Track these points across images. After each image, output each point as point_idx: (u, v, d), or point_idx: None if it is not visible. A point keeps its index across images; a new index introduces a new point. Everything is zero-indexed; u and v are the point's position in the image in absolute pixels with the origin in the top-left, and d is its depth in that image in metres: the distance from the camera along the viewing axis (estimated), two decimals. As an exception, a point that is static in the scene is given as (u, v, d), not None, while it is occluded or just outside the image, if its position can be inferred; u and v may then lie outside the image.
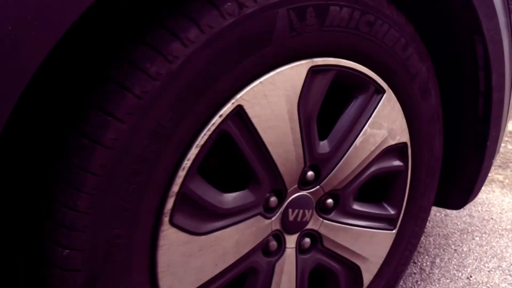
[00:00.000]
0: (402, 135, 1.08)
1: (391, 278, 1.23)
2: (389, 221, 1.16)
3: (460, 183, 1.23)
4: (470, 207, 1.86)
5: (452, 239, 1.66)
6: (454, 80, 1.11)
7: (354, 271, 1.14)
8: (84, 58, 0.78)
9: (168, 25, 0.73)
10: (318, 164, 0.97)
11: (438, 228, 1.71)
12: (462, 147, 1.18)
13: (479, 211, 1.85)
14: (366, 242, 1.12)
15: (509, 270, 1.49)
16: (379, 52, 0.96)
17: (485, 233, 1.70)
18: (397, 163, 1.12)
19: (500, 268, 1.50)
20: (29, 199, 0.78)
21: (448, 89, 1.12)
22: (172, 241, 0.80)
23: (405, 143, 1.10)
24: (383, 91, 1.01)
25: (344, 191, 1.04)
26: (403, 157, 1.12)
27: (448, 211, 1.82)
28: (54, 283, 0.74)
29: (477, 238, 1.67)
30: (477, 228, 1.74)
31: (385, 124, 1.04)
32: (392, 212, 1.16)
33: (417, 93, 1.07)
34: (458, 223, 1.76)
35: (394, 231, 1.18)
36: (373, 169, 1.07)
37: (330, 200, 1.03)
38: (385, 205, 1.16)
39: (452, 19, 0.99)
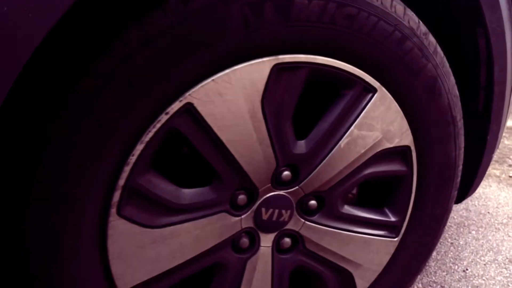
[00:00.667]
0: (402, 137, 0.99)
1: (394, 287, 1.15)
2: (391, 228, 1.08)
3: (460, 177, 1.13)
4: (467, 201, 1.86)
5: (449, 233, 1.65)
6: (456, 73, 1.01)
7: (345, 277, 1.08)
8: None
9: (108, 24, 0.73)
10: (297, 164, 0.93)
11: None
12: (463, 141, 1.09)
13: (475, 205, 1.84)
14: (359, 248, 1.05)
15: (504, 264, 1.48)
16: (365, 47, 0.87)
17: (481, 227, 1.70)
18: (398, 167, 1.02)
19: (496, 261, 1.49)
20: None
21: None
22: (121, 232, 0.82)
23: (407, 147, 1.00)
24: (373, 90, 0.92)
25: (330, 193, 0.98)
26: (406, 161, 1.02)
27: (446, 204, 1.75)
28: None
29: (474, 232, 1.66)
30: (474, 222, 1.73)
31: (378, 125, 0.95)
32: (394, 219, 1.07)
33: (422, 92, 0.95)
34: (455, 217, 1.76)
35: (396, 239, 1.09)
36: (366, 172, 0.99)
37: (313, 202, 0.98)
38: (387, 211, 1.08)
39: (454, 10, 0.87)
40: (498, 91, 0.96)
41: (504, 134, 2.55)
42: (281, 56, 0.82)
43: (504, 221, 1.75)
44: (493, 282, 1.39)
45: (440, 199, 1.09)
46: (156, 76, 0.75)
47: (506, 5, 0.83)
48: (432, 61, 0.93)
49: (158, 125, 0.79)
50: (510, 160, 2.18)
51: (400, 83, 0.93)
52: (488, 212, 1.81)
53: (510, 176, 2.03)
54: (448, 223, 1.71)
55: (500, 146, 2.42)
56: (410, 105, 0.96)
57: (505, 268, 1.47)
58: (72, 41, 0.78)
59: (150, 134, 0.79)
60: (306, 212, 0.99)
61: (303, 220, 0.99)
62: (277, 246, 1.00)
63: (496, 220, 1.76)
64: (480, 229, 1.70)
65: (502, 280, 1.40)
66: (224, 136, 0.83)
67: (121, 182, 0.80)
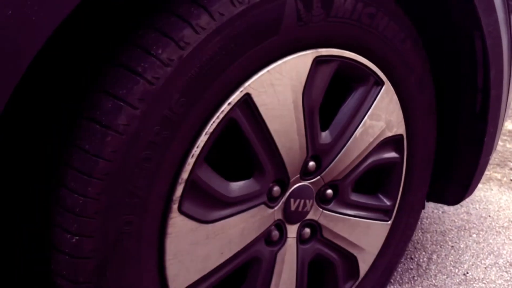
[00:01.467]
0: (398, 127, 1.11)
1: (386, 269, 1.25)
2: (385, 212, 1.18)
3: (457, 179, 1.24)
4: (467, 205, 1.88)
5: (449, 236, 1.67)
6: (452, 76, 1.12)
7: (351, 261, 1.15)
8: (91, 44, 0.78)
9: (179, 12, 0.73)
10: (319, 154, 0.99)
11: (435, 225, 1.74)
12: (460, 142, 1.19)
13: (476, 209, 1.86)
14: (363, 233, 1.14)
15: (505, 267, 1.51)
16: (379, 44, 0.98)
17: (482, 230, 1.72)
18: (393, 154, 1.14)
19: (496, 265, 1.52)
20: (33, 187, 0.77)
21: (446, 85, 1.14)
22: (180, 229, 0.80)
23: (401, 135, 1.12)
24: (382, 83, 1.03)
25: (343, 182, 1.06)
26: (399, 149, 1.14)
27: (446, 208, 1.84)
28: (61, 271, 0.73)
29: (474, 235, 1.68)
30: (475, 225, 1.75)
31: (383, 115, 1.06)
32: (388, 203, 1.18)
33: (414, 86, 1.09)
34: (456, 220, 1.77)
35: (389, 222, 1.20)
36: (370, 160, 1.09)
37: (329, 191, 1.05)
38: (381, 197, 1.18)
39: (450, 13, 1.01)
40: (495, 93, 1.05)
41: (505, 138, 2.55)
42: (320, 50, 0.89)
43: (505, 224, 1.76)
44: (494, 285, 1.41)
45: (422, 183, 1.23)
46: (223, 66, 0.76)
47: (502, 8, 0.98)
48: (423, 58, 1.08)
49: (221, 116, 0.79)
50: (511, 164, 2.21)
51: (400, 78, 1.05)
52: (489, 216, 1.81)
53: (511, 180, 2.06)
54: (448, 226, 1.73)
55: (502, 149, 2.42)
56: (405, 97, 1.09)
57: (506, 271, 1.48)
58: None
59: (214, 125, 0.79)
60: (324, 201, 1.05)
61: (321, 210, 1.05)
62: (299, 237, 1.04)
63: (497, 223, 1.76)
64: (481, 232, 1.70)
65: (503, 283, 1.43)
66: (272, 126, 0.86)
67: (185, 175, 0.78)
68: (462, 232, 1.70)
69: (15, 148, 0.80)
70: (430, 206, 1.85)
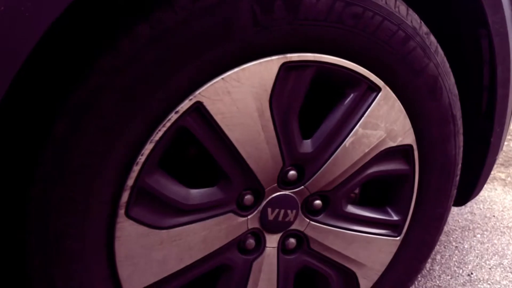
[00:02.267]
0: (405, 136, 1.00)
1: (396, 287, 1.15)
2: (393, 228, 1.08)
3: (463, 179, 1.16)
4: (472, 205, 1.86)
5: (453, 236, 1.65)
6: (458, 75, 1.02)
7: (349, 277, 1.08)
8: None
9: (116, 21, 0.72)
10: (301, 163, 0.93)
11: None
12: (465, 142, 1.11)
13: (481, 209, 1.83)
14: (362, 248, 1.06)
15: (510, 268, 1.47)
16: (370, 46, 0.88)
17: (486, 230, 1.69)
18: (400, 166, 1.03)
19: (501, 265, 1.49)
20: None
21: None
22: (129, 233, 0.81)
23: (409, 145, 1.01)
24: (378, 89, 0.93)
25: (334, 193, 0.98)
26: (408, 160, 1.03)
27: (450, 207, 1.75)
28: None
29: (479, 236, 1.66)
30: (479, 225, 1.72)
31: (382, 124, 0.96)
32: (396, 218, 1.08)
33: (424, 92, 0.97)
34: (460, 220, 1.75)
35: (398, 238, 1.09)
36: (370, 171, 1.00)
37: (318, 201, 0.98)
38: (389, 210, 1.08)
39: (457, 11, 0.88)
40: (502, 92, 0.97)
41: (510, 138, 2.54)
42: (289, 55, 0.82)
43: (510, 224, 1.74)
44: (499, 286, 1.39)
45: (441, 197, 1.10)
46: (166, 75, 0.74)
47: (509, 6, 0.84)
48: (433, 60, 0.95)
49: (168, 124, 0.78)
50: (516, 164, 2.15)
51: (403, 82, 0.94)
52: (494, 216, 1.80)
53: (516, 180, 2.00)
54: (452, 227, 1.71)
55: (506, 149, 2.41)
56: (412, 104, 0.97)
57: (511, 272, 1.46)
58: (76, 39, 0.77)
59: (160, 133, 0.78)
60: (311, 212, 0.99)
61: (308, 220, 0.99)
62: (282, 247, 0.99)
63: (501, 223, 1.75)
64: (485, 232, 1.69)
65: (508, 284, 1.40)
66: (232, 135, 0.83)
67: (130, 182, 0.78)
68: (466, 232, 1.66)
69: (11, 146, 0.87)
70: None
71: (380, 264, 1.10)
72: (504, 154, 2.30)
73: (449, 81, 0.99)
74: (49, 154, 0.73)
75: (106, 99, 0.72)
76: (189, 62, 0.75)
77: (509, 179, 2.05)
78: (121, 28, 0.71)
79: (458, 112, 1.03)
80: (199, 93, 0.78)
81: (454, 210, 1.81)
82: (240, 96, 0.81)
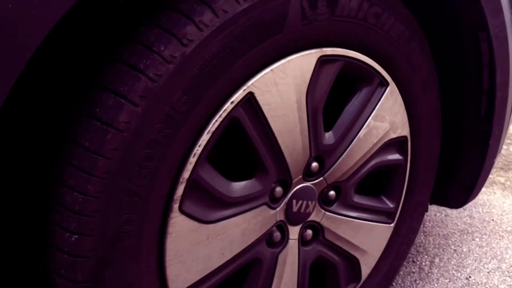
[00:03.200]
0: (403, 128, 1.09)
1: (388, 272, 1.24)
2: (388, 215, 1.17)
3: (461, 182, 1.22)
4: (470, 208, 1.87)
5: (452, 239, 1.66)
6: (457, 77, 1.10)
7: (353, 264, 1.14)
8: (91, 40, 0.77)
9: (182, 9, 0.72)
10: (323, 155, 0.97)
11: (438, 228, 1.73)
12: (464, 145, 1.18)
13: (479, 212, 1.85)
14: (366, 235, 1.13)
15: (508, 272, 1.50)
16: (385, 44, 0.96)
17: (485, 234, 1.70)
18: (397, 156, 1.12)
19: (499, 269, 1.51)
20: (31, 185, 0.76)
21: (451, 86, 1.12)
22: (181, 229, 0.79)
23: (405, 137, 1.11)
24: (386, 84, 1.01)
25: (346, 183, 1.04)
26: (402, 151, 1.13)
27: (449, 211, 1.83)
28: (60, 270, 0.72)
29: (477, 239, 1.67)
30: (477, 229, 1.74)
31: (388, 117, 1.04)
32: (391, 205, 1.17)
33: (419, 88, 1.08)
34: (458, 224, 1.76)
35: (392, 224, 1.18)
36: (374, 162, 1.08)
37: (332, 192, 1.03)
38: (384, 199, 1.17)
39: (456, 14, 1.00)
40: (501, 95, 1.03)
41: (509, 142, 2.54)
42: (325, 49, 0.87)
43: (509, 228, 1.75)
44: None
45: (425, 186, 1.22)
46: (227, 64, 0.75)
47: (508, 9, 0.96)
48: (428, 60, 1.06)
49: (224, 114, 0.78)
50: (515, 167, 2.18)
51: (405, 79, 1.04)
52: (492, 220, 1.80)
53: (515, 183, 2.02)
54: (451, 230, 1.72)
55: (505, 153, 2.40)
56: (410, 98, 1.07)
57: (509, 276, 1.47)
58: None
59: (216, 124, 0.77)
60: (326, 203, 1.04)
61: (323, 211, 1.04)
62: (301, 238, 1.02)
63: (500, 227, 1.75)
64: (484, 236, 1.68)
65: None
66: (275, 126, 0.85)
67: (186, 174, 0.77)
68: (465, 236, 1.69)
69: (14, 146, 0.79)
70: (433, 209, 1.84)
71: (378, 250, 1.18)
72: (503, 158, 2.34)
73: (436, 79, 1.11)
74: (110, 146, 0.69)
75: (174, 88, 0.70)
76: (247, 52, 0.77)
77: (508, 183, 2.08)
78: (190, 16, 0.70)
79: (439, 107, 1.16)
80: (252, 84, 0.79)
81: (453, 213, 1.83)
82: (285, 88, 0.84)
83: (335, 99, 1.00)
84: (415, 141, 1.13)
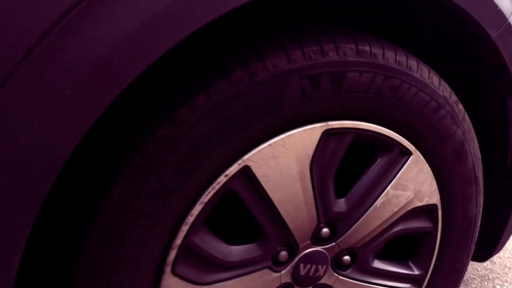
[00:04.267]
0: (431, 196, 1.04)
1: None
2: (414, 281, 1.12)
3: (485, 237, 1.19)
4: None
5: (472, 286, 1.61)
6: (482, 132, 1.09)
7: (371, 329, 1.11)
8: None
9: (175, 94, 0.77)
10: (334, 222, 0.97)
11: None
12: (490, 200, 1.14)
13: (500, 258, 1.79)
14: (386, 301, 1.09)
15: None
16: (405, 115, 0.93)
17: (506, 281, 1.65)
18: (425, 224, 1.07)
19: None
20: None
21: (478, 142, 1.08)
22: (173, 289, 0.84)
23: (434, 205, 1.06)
24: (409, 153, 0.98)
25: (363, 249, 1.02)
26: (432, 218, 1.07)
27: (469, 255, 1.75)
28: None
29: (498, 286, 1.61)
30: (498, 275, 1.68)
31: (411, 186, 1.00)
32: (418, 272, 1.12)
33: (450, 156, 1.02)
34: (479, 269, 1.71)
35: (419, 292, 1.13)
36: (396, 229, 1.04)
37: (347, 257, 1.02)
38: (411, 265, 1.12)
39: (485, 79, 0.96)
40: None
41: None
42: (330, 122, 0.87)
43: None
44: None
45: (460, 253, 1.14)
46: (220, 142, 0.79)
47: None
48: (461, 127, 1.00)
49: (217, 187, 0.82)
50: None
51: (432, 147, 0.99)
52: None
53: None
54: (471, 275, 1.68)
55: None
56: (440, 166, 1.02)
57: None
58: (133, 106, 0.81)
59: (209, 195, 0.82)
60: (340, 267, 1.03)
61: (336, 275, 1.03)
62: (311, 300, 1.03)
63: None
64: (505, 284, 1.65)
65: None
66: (274, 196, 0.87)
67: (178, 241, 0.82)
68: (486, 283, 1.62)
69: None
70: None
71: (401, 317, 1.13)
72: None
73: (474, 145, 1.04)
74: (105, 214, 0.76)
75: (164, 165, 0.76)
76: (241, 130, 0.80)
77: (531, 227, 2.01)
78: (182, 99, 0.75)
79: (480, 174, 1.08)
80: (248, 158, 0.82)
81: (474, 258, 1.80)
82: (285, 161, 0.85)
83: (354, 164, 0.99)
84: (447, 208, 1.07)
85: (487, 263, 1.75)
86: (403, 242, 1.13)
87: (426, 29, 1.01)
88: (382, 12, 0.98)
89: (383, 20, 0.99)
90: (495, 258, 1.79)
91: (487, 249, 1.23)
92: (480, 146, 1.07)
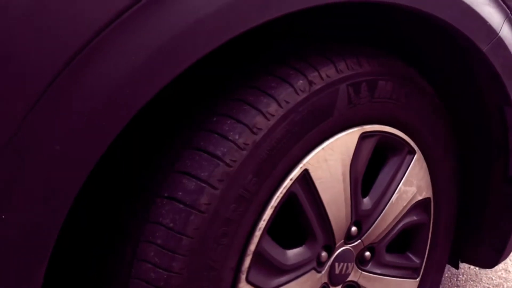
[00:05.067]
0: (427, 190, 1.19)
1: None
2: (414, 270, 1.25)
3: (491, 243, 1.26)
4: (506, 261, 1.77)
5: None
6: (482, 139, 1.17)
7: (386, 319, 1.21)
8: (166, 128, 0.85)
9: (250, 101, 0.81)
10: (360, 220, 1.06)
11: (471, 282, 1.69)
12: (491, 207, 1.23)
13: None
14: (396, 291, 1.20)
15: None
16: (413, 118, 1.07)
17: None
18: (422, 216, 1.22)
19: None
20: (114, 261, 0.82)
21: (476, 148, 1.20)
22: (246, 297, 0.85)
23: (429, 198, 1.21)
24: (414, 152, 1.12)
25: (379, 244, 1.13)
26: (426, 211, 1.22)
27: (483, 264, 1.77)
28: None
29: None
30: None
31: (415, 181, 1.14)
32: (417, 261, 1.25)
33: (440, 153, 1.18)
34: (494, 278, 1.69)
35: (417, 279, 1.26)
36: (403, 222, 1.17)
37: (367, 253, 1.11)
38: (410, 256, 1.25)
39: (480, 90, 1.11)
40: None
41: None
42: (365, 126, 0.98)
43: None
44: None
45: (446, 240, 1.31)
46: (288, 147, 0.84)
47: None
48: (448, 127, 1.18)
49: (284, 190, 0.86)
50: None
51: (428, 146, 1.15)
52: None
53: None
54: (486, 285, 1.68)
55: None
56: (433, 163, 1.18)
57: None
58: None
59: (278, 199, 0.86)
60: (362, 263, 1.12)
61: (360, 271, 1.11)
62: (341, 298, 1.09)
63: None
64: None
65: None
66: (324, 197, 0.94)
67: (252, 247, 0.84)
68: None
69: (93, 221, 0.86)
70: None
71: (407, 305, 1.25)
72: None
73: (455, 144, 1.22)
74: (193, 226, 0.76)
75: (245, 171, 0.79)
76: (304, 135, 0.86)
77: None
78: (258, 108, 0.80)
79: (458, 169, 1.26)
80: (307, 161, 0.88)
81: (488, 267, 1.77)
82: (333, 163, 0.93)
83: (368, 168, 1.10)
84: (437, 201, 1.23)
85: (501, 272, 1.72)
86: (402, 235, 1.25)
87: (423, 47, 1.14)
88: (383, 30, 1.12)
89: (386, 38, 1.12)
90: (509, 266, 1.75)
91: (494, 256, 1.26)
92: (482, 154, 1.19)
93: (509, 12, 1.02)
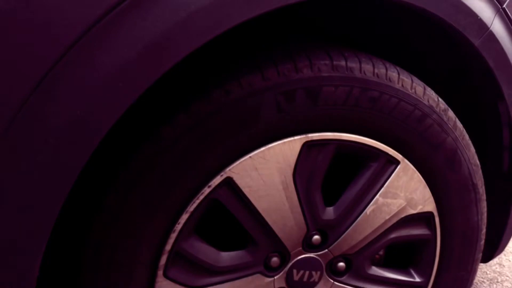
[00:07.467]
0: (425, 204, 1.05)
1: None
2: (416, 289, 1.13)
3: (486, 238, 1.18)
4: (500, 256, 1.82)
5: None
6: (476, 135, 1.11)
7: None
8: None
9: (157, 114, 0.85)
10: (325, 229, 1.01)
11: None
12: (488, 201, 1.15)
13: (509, 260, 1.79)
14: (386, 308, 1.11)
15: None
16: (387, 125, 0.96)
17: None
18: (422, 231, 1.09)
19: None
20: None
21: (473, 145, 1.10)
22: (166, 292, 0.92)
23: (430, 213, 1.07)
24: (396, 162, 1.00)
25: (357, 256, 1.05)
26: (429, 226, 1.08)
27: (478, 258, 1.74)
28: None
29: None
30: (507, 278, 1.68)
31: (402, 194, 1.02)
32: (419, 279, 1.12)
33: (443, 163, 1.03)
34: (488, 272, 1.72)
35: (421, 299, 1.14)
36: (391, 236, 1.06)
37: (341, 264, 1.05)
38: (412, 272, 1.13)
39: (475, 87, 0.99)
40: None
41: None
42: (310, 135, 0.92)
43: None
44: None
45: (464, 261, 1.14)
46: (201, 156, 0.86)
47: None
48: (451, 135, 1.01)
49: (201, 197, 0.89)
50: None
51: (421, 156, 1.01)
52: None
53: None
54: (480, 279, 1.70)
55: None
56: (432, 175, 1.03)
57: None
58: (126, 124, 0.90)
59: (194, 205, 0.89)
60: (335, 273, 1.06)
61: (332, 281, 1.06)
62: (307, 305, 1.07)
63: None
64: None
65: None
66: (259, 205, 0.93)
67: (168, 247, 0.89)
68: (495, 285, 1.62)
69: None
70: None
71: (404, 324, 1.14)
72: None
73: (469, 152, 1.05)
74: (100, 223, 0.85)
75: (150, 178, 0.84)
76: (221, 144, 0.86)
77: (540, 229, 1.96)
78: (163, 118, 0.83)
79: (479, 181, 1.08)
80: (229, 170, 0.89)
81: (483, 261, 1.80)
82: (266, 172, 0.91)
83: (345, 174, 1.02)
84: (444, 216, 1.08)
85: (495, 266, 1.75)
86: (404, 249, 1.14)
87: (419, 45, 1.05)
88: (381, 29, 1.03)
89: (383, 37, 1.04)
90: (503, 261, 1.78)
91: (489, 250, 1.23)
92: (476, 150, 1.08)
93: (500, 7, 0.92)
